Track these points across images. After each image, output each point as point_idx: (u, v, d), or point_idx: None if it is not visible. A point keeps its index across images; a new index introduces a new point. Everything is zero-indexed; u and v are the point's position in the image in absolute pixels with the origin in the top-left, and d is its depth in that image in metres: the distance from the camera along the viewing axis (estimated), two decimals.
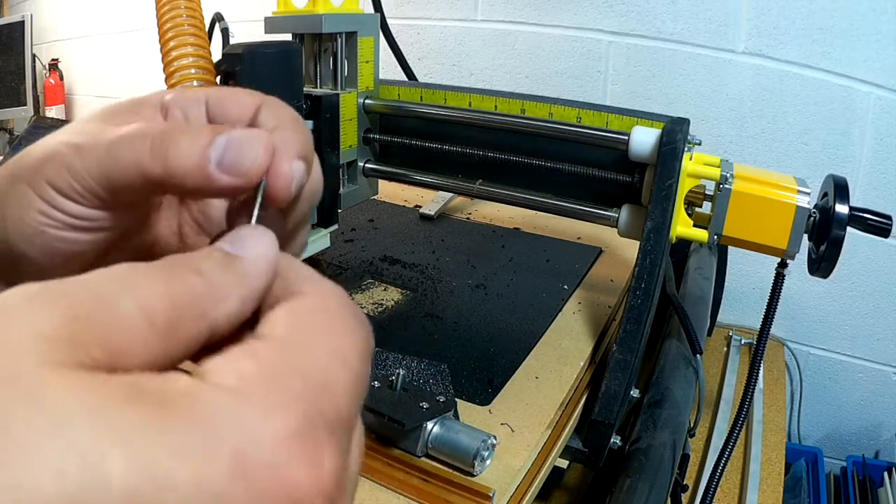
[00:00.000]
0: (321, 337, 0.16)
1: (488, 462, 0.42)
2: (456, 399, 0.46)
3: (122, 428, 0.12)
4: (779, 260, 0.52)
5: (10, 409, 0.12)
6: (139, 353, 0.15)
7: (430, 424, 0.42)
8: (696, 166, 0.52)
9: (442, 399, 0.43)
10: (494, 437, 0.42)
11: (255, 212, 0.20)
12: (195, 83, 0.53)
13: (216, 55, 0.55)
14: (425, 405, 0.42)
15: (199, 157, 0.18)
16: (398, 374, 0.44)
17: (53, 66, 1.82)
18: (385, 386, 0.44)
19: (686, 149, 0.51)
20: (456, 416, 0.45)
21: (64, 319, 0.13)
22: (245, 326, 0.18)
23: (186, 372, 0.16)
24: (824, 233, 0.49)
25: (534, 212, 0.65)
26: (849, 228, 0.48)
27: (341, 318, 0.17)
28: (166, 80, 0.54)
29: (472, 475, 0.41)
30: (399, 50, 0.81)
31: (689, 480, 0.70)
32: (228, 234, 0.19)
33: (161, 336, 0.15)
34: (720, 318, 0.94)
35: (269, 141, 0.19)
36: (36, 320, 0.13)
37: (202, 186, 0.18)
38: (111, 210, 0.20)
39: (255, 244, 0.18)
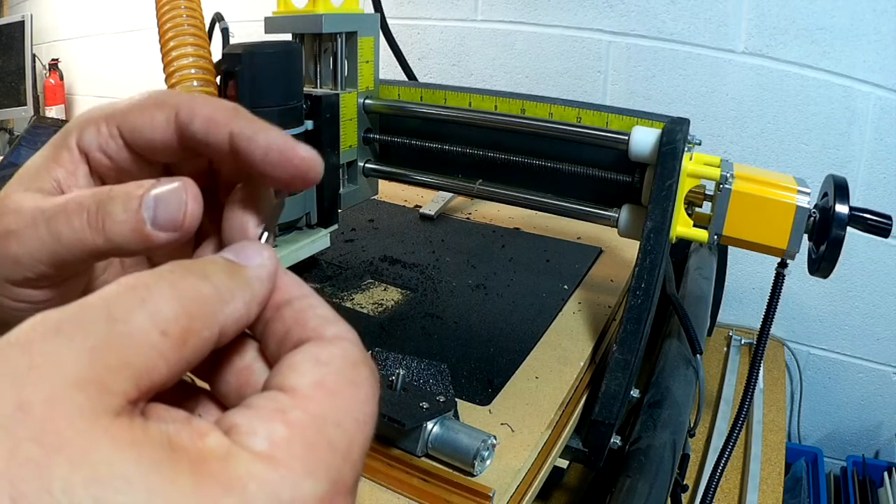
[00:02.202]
0: (345, 400, 0.17)
1: (488, 462, 0.42)
2: (456, 399, 0.46)
3: (162, 494, 0.13)
4: (779, 260, 0.52)
5: (62, 474, 0.12)
6: (159, 368, 0.15)
7: (430, 424, 0.42)
8: (696, 166, 0.52)
9: (442, 399, 0.43)
10: (494, 438, 0.42)
11: (261, 227, 0.21)
12: (195, 83, 0.53)
13: (216, 55, 0.55)
14: (425, 405, 0.42)
15: (135, 222, 0.19)
16: (398, 374, 0.44)
17: (53, 66, 1.82)
18: (385, 386, 0.44)
19: (686, 149, 0.51)
20: (456, 416, 0.45)
21: (86, 354, 0.14)
22: (247, 335, 0.20)
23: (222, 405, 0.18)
24: (824, 233, 0.49)
25: (534, 212, 0.65)
26: (849, 228, 0.48)
27: (360, 373, 0.18)
28: (166, 79, 0.54)
29: (472, 475, 0.41)
30: (399, 50, 0.81)
31: (689, 480, 0.70)
32: (229, 247, 0.20)
33: (176, 346, 0.16)
34: (720, 318, 0.94)
35: (193, 188, 0.20)
36: (63, 362, 0.14)
37: (143, 247, 0.19)
38: (62, 277, 0.21)
39: (257, 255, 0.19)
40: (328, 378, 0.17)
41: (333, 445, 0.16)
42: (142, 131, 0.22)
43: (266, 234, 0.21)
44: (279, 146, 0.20)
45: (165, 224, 0.19)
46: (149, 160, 0.23)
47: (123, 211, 0.19)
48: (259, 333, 0.20)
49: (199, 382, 0.20)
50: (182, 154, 0.22)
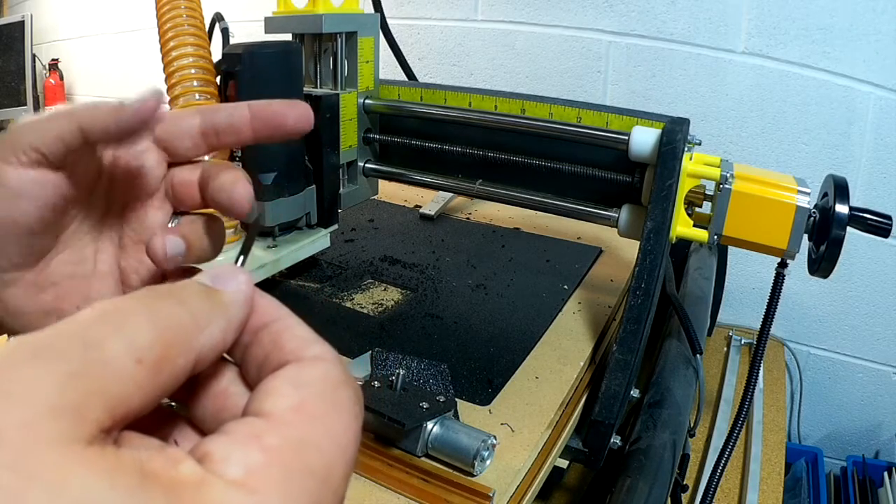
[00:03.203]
0: (325, 423, 0.16)
1: (488, 462, 0.42)
2: (456, 399, 0.46)
3: None
4: (779, 260, 0.52)
5: (36, 501, 0.12)
6: (134, 396, 0.15)
7: (430, 424, 0.42)
8: (696, 166, 0.52)
9: (442, 399, 0.43)
10: (494, 438, 0.42)
11: (239, 253, 0.22)
12: (195, 83, 0.52)
13: (216, 55, 0.55)
14: (425, 405, 0.42)
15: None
16: (398, 374, 0.44)
17: (53, 66, 1.82)
18: (385, 386, 0.44)
19: (686, 149, 0.51)
20: (456, 416, 0.45)
21: (62, 381, 0.14)
22: (225, 359, 0.20)
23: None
24: (824, 233, 0.49)
25: (534, 212, 0.65)
26: (849, 228, 0.48)
27: (341, 395, 0.17)
28: (166, 79, 0.54)
29: (472, 475, 0.41)
30: (399, 50, 0.81)
31: (689, 480, 0.70)
32: (206, 271, 0.20)
33: (152, 373, 0.15)
34: (720, 318, 0.94)
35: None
36: (39, 389, 0.13)
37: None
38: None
39: (233, 280, 0.19)
40: (307, 401, 0.17)
41: (312, 471, 0.15)
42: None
43: (242, 257, 0.22)
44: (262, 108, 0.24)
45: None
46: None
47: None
48: (238, 358, 0.19)
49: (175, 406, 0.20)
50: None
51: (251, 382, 0.19)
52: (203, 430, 0.20)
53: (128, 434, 0.16)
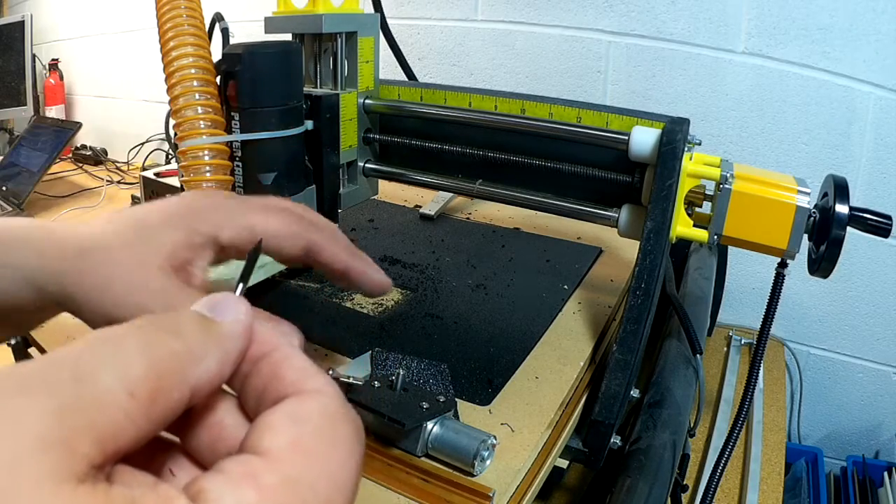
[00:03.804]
0: (322, 461, 0.16)
1: (488, 462, 0.42)
2: (456, 399, 0.46)
3: None
4: (779, 260, 0.52)
5: None
6: (126, 431, 0.15)
7: (429, 424, 0.42)
8: (696, 166, 0.52)
9: (442, 399, 0.43)
10: (494, 438, 0.42)
11: (237, 280, 0.22)
12: (195, 83, 0.52)
13: (216, 55, 0.55)
14: (425, 405, 0.42)
15: None
16: (398, 374, 0.44)
17: (53, 66, 1.82)
18: (385, 386, 0.44)
19: (686, 149, 0.51)
20: (456, 416, 0.45)
21: (52, 415, 0.13)
22: (222, 391, 0.19)
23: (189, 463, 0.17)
24: (824, 233, 0.49)
25: (534, 212, 0.65)
26: (849, 228, 0.48)
27: (340, 431, 0.17)
28: (166, 79, 0.54)
29: (472, 475, 0.41)
30: (399, 50, 0.81)
31: (689, 480, 0.70)
32: (204, 299, 0.19)
33: (145, 407, 0.15)
34: (720, 318, 0.94)
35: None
36: (28, 423, 0.13)
37: None
38: None
39: (231, 309, 0.19)
40: (304, 437, 0.16)
41: None
42: (278, 249, 0.32)
43: (241, 285, 0.21)
44: (376, 283, 0.35)
45: None
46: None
47: None
48: (236, 388, 0.19)
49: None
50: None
51: (249, 413, 0.19)
52: (198, 460, 0.19)
53: (120, 468, 0.15)
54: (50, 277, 0.27)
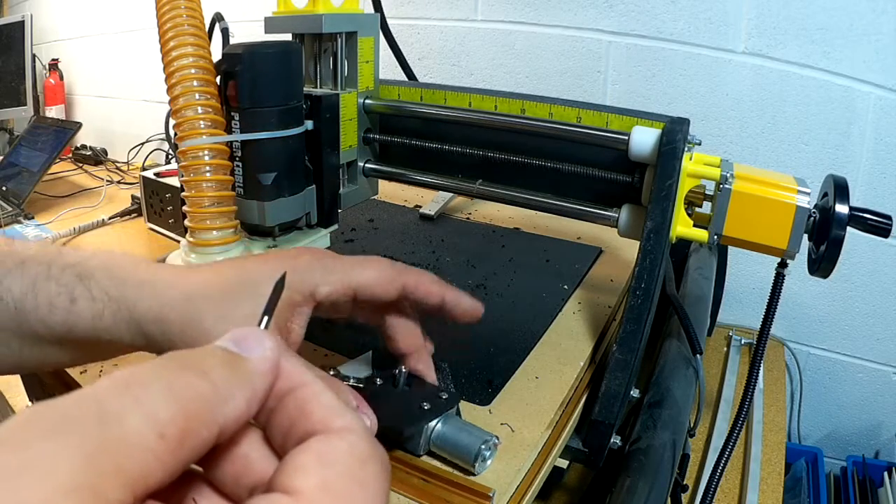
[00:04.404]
0: (351, 502, 0.16)
1: (489, 462, 0.42)
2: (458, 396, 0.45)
3: None
4: (779, 260, 0.52)
5: None
6: (155, 472, 0.15)
7: (433, 422, 0.42)
8: (696, 166, 0.52)
9: (444, 396, 0.42)
10: (497, 438, 0.42)
11: (262, 314, 0.22)
12: (195, 83, 0.52)
13: (216, 55, 0.55)
14: (427, 405, 0.42)
15: None
16: (401, 369, 0.43)
17: (53, 66, 1.82)
18: (388, 382, 0.43)
19: (686, 149, 0.51)
20: (458, 413, 0.45)
21: (81, 458, 0.13)
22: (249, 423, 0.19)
23: None
24: (824, 233, 0.49)
25: (534, 212, 0.65)
26: (849, 228, 0.48)
27: (367, 471, 0.17)
28: (166, 79, 0.54)
29: (473, 475, 0.41)
30: (399, 50, 0.81)
31: (689, 480, 0.70)
32: (230, 334, 0.19)
33: (174, 447, 0.15)
34: (720, 318, 0.94)
35: None
36: (58, 466, 0.13)
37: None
38: None
39: (258, 345, 0.18)
40: (333, 479, 0.16)
41: None
42: (375, 296, 0.35)
43: (266, 318, 0.21)
44: (469, 308, 0.40)
45: None
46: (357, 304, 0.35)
47: None
48: (262, 422, 0.19)
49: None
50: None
51: (276, 447, 0.19)
52: (221, 491, 0.19)
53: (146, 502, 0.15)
54: (155, 322, 0.28)
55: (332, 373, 0.44)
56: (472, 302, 0.40)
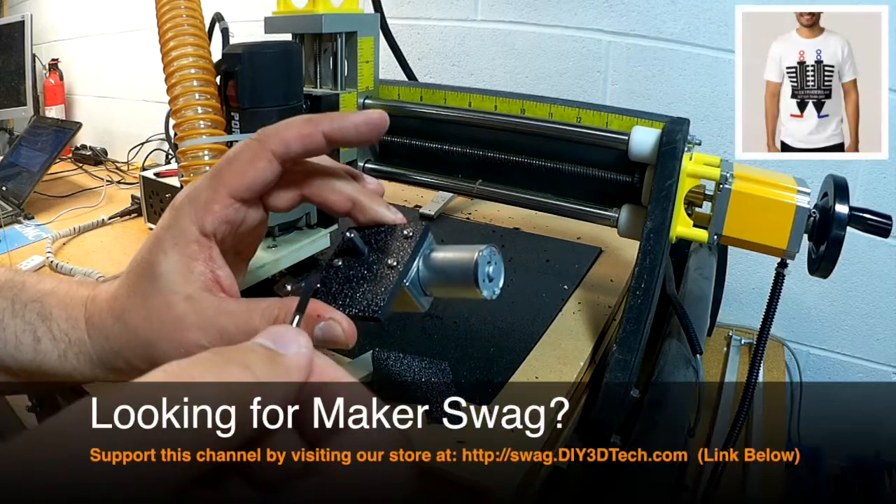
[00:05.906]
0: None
1: (501, 280, 0.33)
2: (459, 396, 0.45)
3: None
4: (779, 260, 0.52)
5: None
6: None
7: (414, 266, 0.33)
8: (696, 166, 0.52)
9: (408, 232, 0.34)
10: (493, 246, 0.32)
11: (295, 315, 0.23)
12: (195, 83, 0.52)
13: (216, 55, 0.55)
14: (392, 261, 0.33)
15: None
16: (350, 236, 0.35)
17: (53, 66, 1.82)
18: (349, 259, 0.38)
19: (686, 149, 0.51)
20: (435, 242, 0.35)
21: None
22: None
23: None
24: (824, 233, 0.49)
25: (534, 212, 0.65)
26: (849, 228, 0.48)
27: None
28: (166, 79, 0.54)
29: (483, 297, 0.33)
30: (399, 50, 0.81)
31: (689, 480, 0.70)
32: (267, 331, 0.21)
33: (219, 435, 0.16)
34: (720, 318, 0.94)
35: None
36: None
37: None
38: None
39: (294, 342, 0.20)
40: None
41: None
42: (252, 185, 0.28)
43: (298, 317, 0.23)
44: (362, 120, 0.30)
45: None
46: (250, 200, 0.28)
47: None
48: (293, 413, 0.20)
49: None
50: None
51: (307, 439, 0.20)
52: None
53: None
54: (116, 359, 0.29)
55: (287, 287, 0.43)
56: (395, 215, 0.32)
